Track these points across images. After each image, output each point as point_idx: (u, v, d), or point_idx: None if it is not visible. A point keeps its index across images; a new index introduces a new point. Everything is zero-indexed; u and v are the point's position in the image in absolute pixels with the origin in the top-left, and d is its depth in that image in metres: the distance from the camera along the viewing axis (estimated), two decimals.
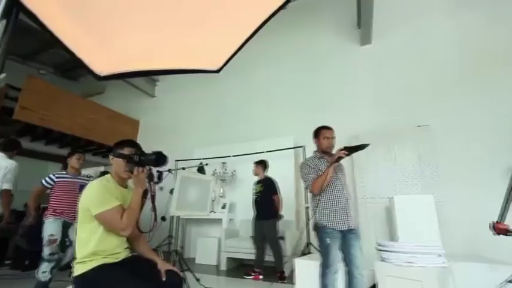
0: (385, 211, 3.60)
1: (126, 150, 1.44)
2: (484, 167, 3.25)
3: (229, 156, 4.73)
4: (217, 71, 1.21)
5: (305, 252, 3.42)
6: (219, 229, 4.31)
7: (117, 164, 1.44)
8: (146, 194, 1.49)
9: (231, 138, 5.02)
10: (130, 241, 1.51)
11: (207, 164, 4.27)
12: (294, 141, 4.26)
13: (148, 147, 1.50)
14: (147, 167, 1.40)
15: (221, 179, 4.85)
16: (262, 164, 3.68)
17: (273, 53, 5.22)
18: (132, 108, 6.61)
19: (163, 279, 1.37)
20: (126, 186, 1.52)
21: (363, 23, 4.07)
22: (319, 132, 2.17)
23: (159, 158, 1.34)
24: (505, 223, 2.40)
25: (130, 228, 1.35)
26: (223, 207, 4.50)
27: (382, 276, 2.28)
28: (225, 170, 4.84)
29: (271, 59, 5.23)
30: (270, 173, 3.71)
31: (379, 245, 2.29)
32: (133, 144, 1.49)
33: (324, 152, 2.14)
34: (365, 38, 4.28)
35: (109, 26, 0.88)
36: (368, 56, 4.35)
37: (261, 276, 3.35)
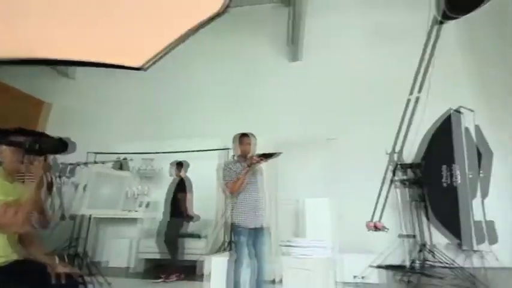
0: (297, 211, 4.09)
1: (15, 137, 1.26)
2: (373, 177, 4.00)
3: (156, 153, 4.56)
4: (141, 69, 1.24)
5: (223, 250, 3.59)
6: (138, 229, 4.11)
7: (4, 153, 1.28)
8: (41, 187, 1.31)
9: (160, 135, 4.84)
10: (23, 243, 1.37)
11: (131, 160, 4.03)
12: (222, 143, 4.41)
13: (58, 135, 1.33)
14: (42, 157, 1.25)
15: (146, 177, 4.63)
16: (178, 165, 3.71)
17: (210, 54, 5.26)
18: (43, 89, 5.64)
19: (53, 282, 1.27)
20: (14, 180, 1.35)
21: (294, 41, 4.54)
22: (238, 139, 2.37)
23: (58, 145, 1.22)
24: (377, 222, 3.09)
25: (17, 227, 1.22)
26: (140, 205, 4.30)
27: (285, 268, 2.63)
28: (152, 167, 4.65)
29: (208, 60, 5.27)
30: (195, 172, 3.76)
31: (282, 241, 2.63)
32: (25, 131, 1.32)
33: (241, 156, 2.34)
34: (295, 55, 4.77)
35: (17, 8, 0.83)
36: (296, 71, 4.83)
37: (174, 277, 3.31)
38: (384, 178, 2.88)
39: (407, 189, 3.63)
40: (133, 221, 4.21)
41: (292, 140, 4.27)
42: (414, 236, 2.61)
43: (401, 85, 3.58)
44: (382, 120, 3.25)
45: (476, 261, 3.29)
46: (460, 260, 3.38)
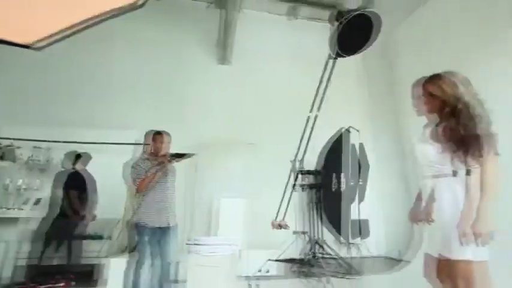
0: (214, 211, 4.20)
1: None
2: (284, 180, 4.43)
3: (56, 142, 3.91)
4: (33, 48, 1.10)
5: (129, 251, 3.38)
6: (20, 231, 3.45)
7: None
8: None
9: (58, 121, 4.12)
10: None
11: (18, 147, 3.36)
12: (137, 136, 4.13)
13: None
14: None
15: (39, 168, 3.93)
16: (77, 157, 3.36)
17: (137, 43, 4.87)
18: None
19: None
20: None
21: (223, 44, 4.66)
22: (150, 136, 2.32)
23: None
24: (281, 221, 3.47)
25: None
26: (26, 202, 3.62)
27: (192, 266, 2.68)
28: (46, 157, 3.97)
29: (134, 49, 4.85)
30: (105, 166, 3.43)
31: (189, 240, 2.68)
32: None
33: (153, 154, 2.30)
34: (224, 58, 4.89)
35: None
36: (223, 74, 4.94)
37: (61, 284, 2.95)
38: (287, 182, 3.27)
39: (306, 193, 4.23)
40: (11, 220, 3.47)
41: (214, 142, 4.37)
42: (304, 233, 3.04)
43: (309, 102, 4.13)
44: (292, 131, 3.69)
45: (354, 252, 4.12)
46: (344, 252, 4.18)
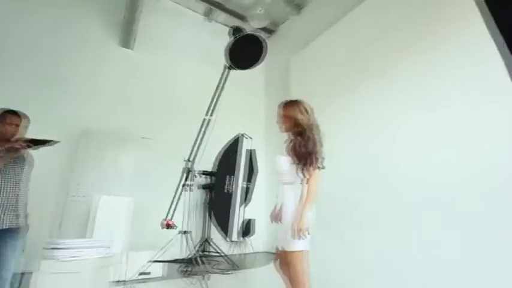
0: (92, 210, 3.69)
1: None
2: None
3: None
4: None
5: None
6: None
7: None
8: None
9: None
10: None
11: None
12: None
13: None
14: None
15: None
16: None
17: (29, 11, 3.86)
18: None
19: None
20: None
21: (127, 29, 4.23)
22: (2, 116, 1.88)
23: None
24: (169, 220, 3.39)
25: None
26: None
27: (44, 275, 2.27)
28: None
29: (24, 16, 3.83)
30: None
31: (46, 244, 2.29)
32: None
33: (3, 139, 1.85)
34: (126, 43, 4.42)
35: None
36: (124, 59, 4.47)
37: None
38: (180, 182, 3.25)
39: (199, 193, 4.32)
40: None
41: (102, 132, 3.88)
42: (186, 232, 3.08)
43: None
44: (192, 131, 3.66)
45: (239, 250, 4.44)
46: (231, 250, 4.44)
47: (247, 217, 4.26)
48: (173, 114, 4.61)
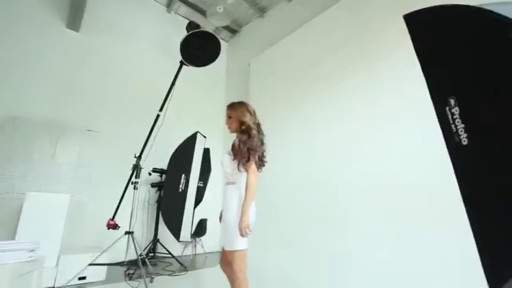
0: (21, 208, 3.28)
1: None
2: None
3: None
4: None
5: None
6: None
7: None
8: None
9: None
10: None
11: None
12: None
13: None
14: None
15: None
16: None
17: None
18: None
19: None
20: None
21: (74, 8, 3.84)
22: None
23: None
24: (113, 220, 3.18)
25: None
26: None
27: None
28: None
29: None
30: None
31: None
32: None
33: None
34: (74, 24, 4.01)
35: None
36: (69, 41, 4.04)
37: None
38: (129, 180, 3.07)
39: (151, 191, 4.13)
40: None
41: (36, 120, 3.46)
42: (129, 233, 2.93)
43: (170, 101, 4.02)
44: (143, 126, 3.47)
45: (190, 250, 4.34)
46: (185, 251, 4.33)
47: (199, 217, 4.20)
48: (126, 106, 4.31)
